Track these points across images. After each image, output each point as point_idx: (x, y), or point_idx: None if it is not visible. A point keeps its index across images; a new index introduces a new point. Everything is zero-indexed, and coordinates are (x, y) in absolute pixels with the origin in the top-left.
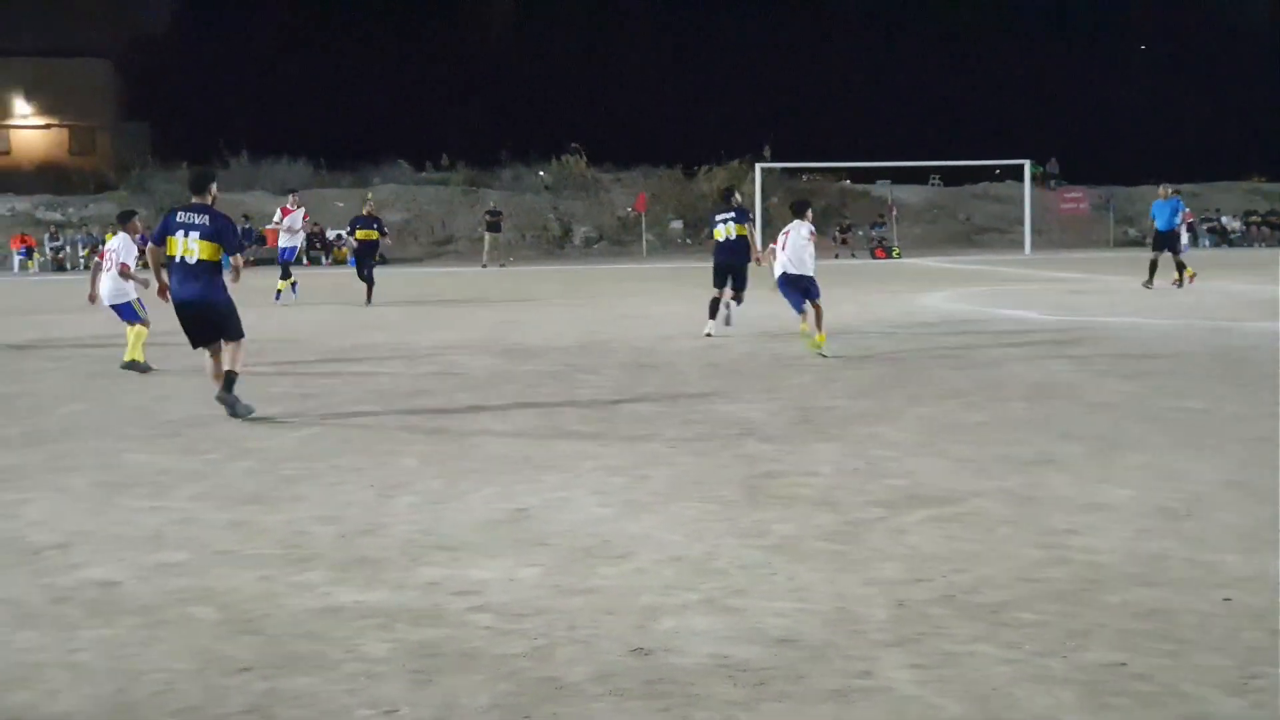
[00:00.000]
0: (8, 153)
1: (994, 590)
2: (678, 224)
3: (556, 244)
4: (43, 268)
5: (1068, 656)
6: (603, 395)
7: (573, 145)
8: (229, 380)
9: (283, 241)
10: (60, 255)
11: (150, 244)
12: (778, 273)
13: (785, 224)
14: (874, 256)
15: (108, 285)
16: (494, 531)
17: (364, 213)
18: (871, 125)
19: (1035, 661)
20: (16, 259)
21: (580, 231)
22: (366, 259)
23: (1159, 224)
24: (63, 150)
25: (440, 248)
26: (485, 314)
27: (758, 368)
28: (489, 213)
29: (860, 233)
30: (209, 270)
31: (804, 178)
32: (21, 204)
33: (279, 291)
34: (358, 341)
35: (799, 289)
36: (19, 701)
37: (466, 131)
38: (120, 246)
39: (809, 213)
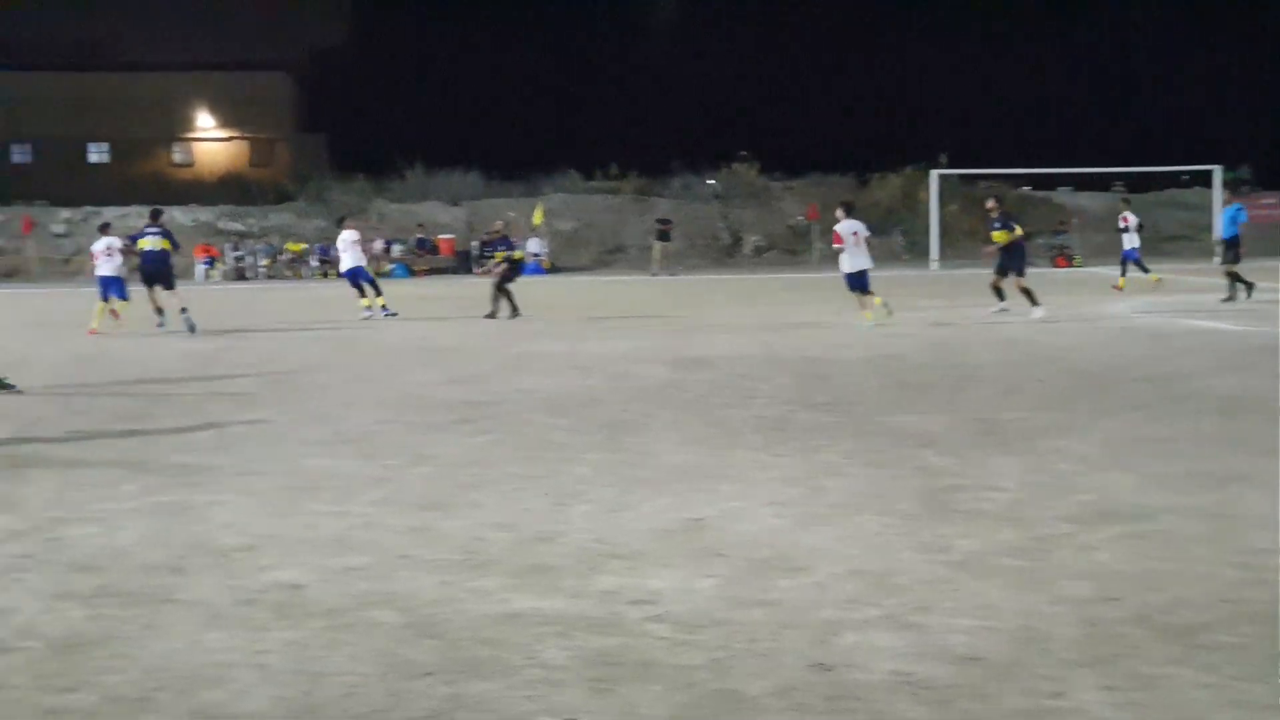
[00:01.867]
0: (192, 165)
1: (1190, 611)
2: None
3: (726, 253)
4: (225, 277)
5: (1269, 681)
6: (776, 405)
7: (742, 153)
8: None
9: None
10: (241, 264)
11: None
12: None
13: (962, 232)
14: (1055, 265)
15: None
16: (669, 541)
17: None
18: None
19: (1235, 686)
20: (201, 268)
21: (750, 240)
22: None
23: None
24: (243, 162)
25: (610, 256)
26: (656, 323)
27: (935, 379)
28: (659, 221)
29: (1040, 240)
30: None
31: (981, 185)
32: (205, 215)
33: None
34: (529, 350)
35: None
36: (210, 700)
37: (637, 140)
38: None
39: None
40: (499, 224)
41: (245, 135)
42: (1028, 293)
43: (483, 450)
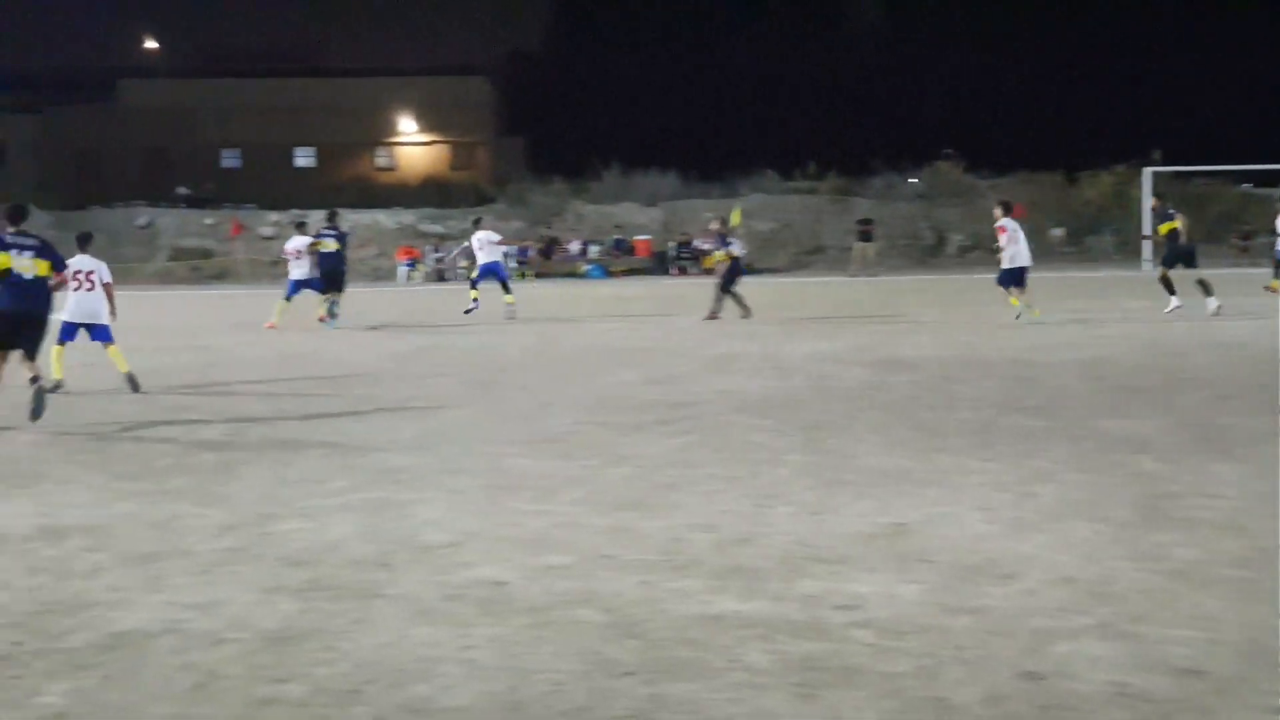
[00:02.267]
0: (394, 169)
1: None
2: (1058, 232)
3: (929, 253)
4: (426, 278)
5: None
6: (982, 408)
7: (947, 151)
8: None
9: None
10: (441, 266)
11: None
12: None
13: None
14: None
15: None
16: (873, 545)
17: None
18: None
19: None
20: (402, 270)
21: (954, 240)
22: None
23: None
24: (444, 165)
25: (808, 257)
26: (856, 324)
27: (1148, 381)
28: (859, 221)
29: (1262, 240)
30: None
31: (1197, 182)
32: (407, 217)
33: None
34: (728, 351)
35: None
36: (418, 694)
37: (837, 139)
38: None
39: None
40: (715, 223)
41: (446, 139)
42: (1165, 282)
43: (682, 451)
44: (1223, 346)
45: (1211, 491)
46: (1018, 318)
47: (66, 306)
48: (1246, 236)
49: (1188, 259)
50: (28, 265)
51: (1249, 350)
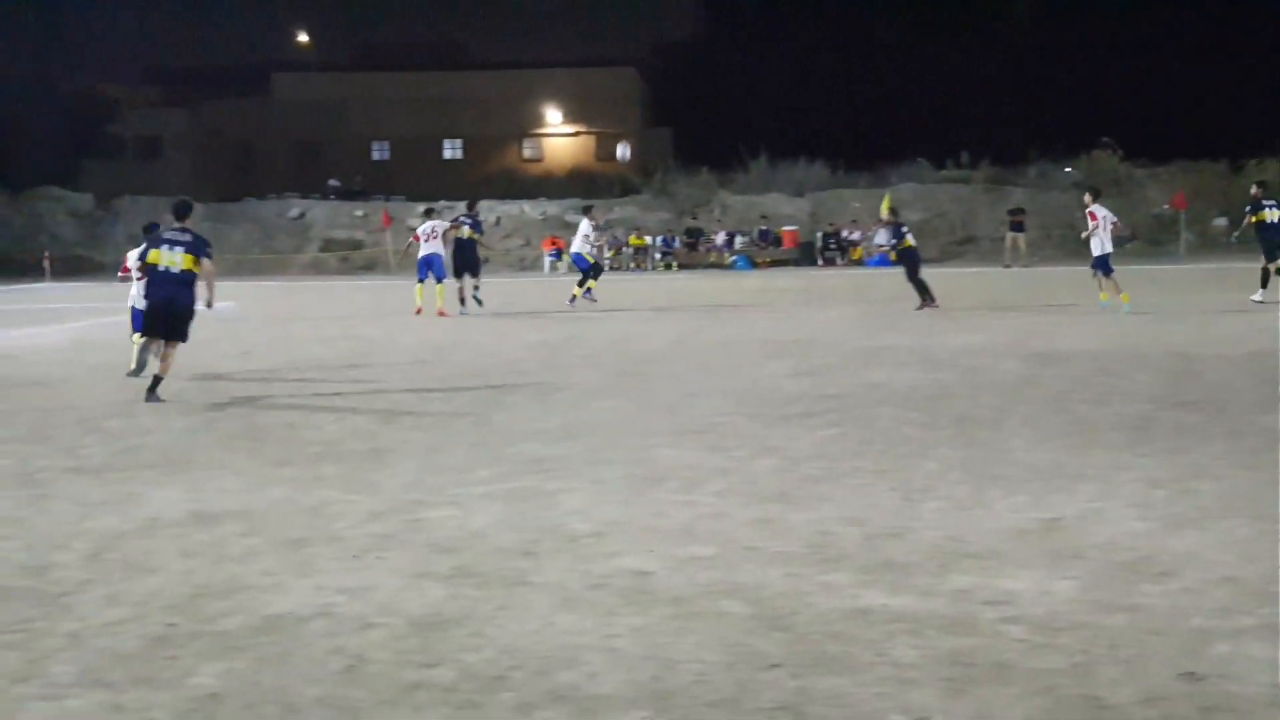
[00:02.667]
0: (540, 160)
1: None
2: (1221, 221)
3: (1084, 244)
4: (570, 268)
5: None
6: (1138, 403)
7: (1104, 139)
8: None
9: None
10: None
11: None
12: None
13: None
14: None
15: None
16: (1025, 541)
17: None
18: None
19: None
20: (547, 260)
21: None
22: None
23: None
24: (590, 156)
25: (959, 248)
26: (1009, 316)
27: None
28: (1011, 211)
29: None
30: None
31: None
32: (552, 208)
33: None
34: (877, 343)
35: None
36: (564, 681)
37: (990, 128)
38: None
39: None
40: (886, 213)
41: (592, 130)
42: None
43: (829, 443)
44: None
45: None
46: (1126, 310)
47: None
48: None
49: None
50: (176, 259)
51: None
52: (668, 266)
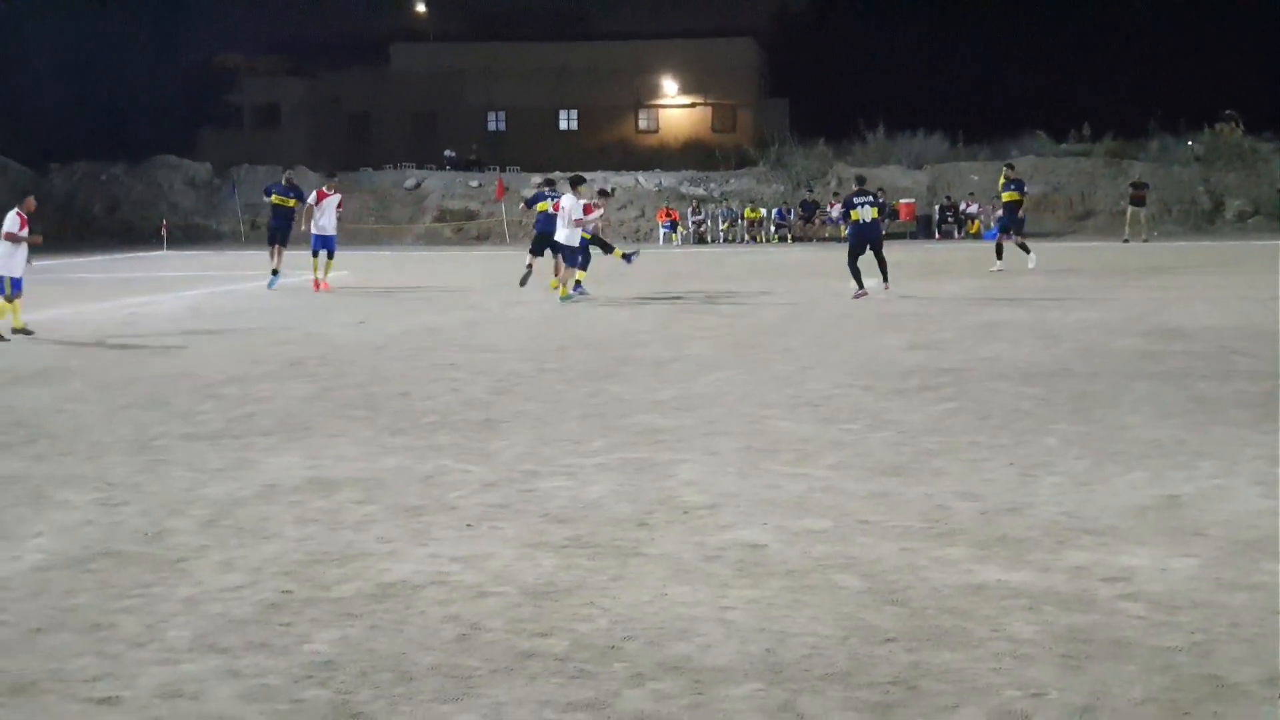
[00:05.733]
0: (656, 131)
1: None
2: None
3: (1206, 219)
4: (685, 240)
5: None
6: (1262, 380)
7: (1227, 112)
8: None
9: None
10: (701, 229)
11: None
12: None
13: None
14: None
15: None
16: (1144, 518)
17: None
18: None
19: None
20: (662, 232)
21: (1233, 205)
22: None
23: None
24: (706, 128)
25: (1079, 222)
26: (1129, 291)
27: None
28: (1133, 185)
29: None
30: None
31: None
32: (668, 180)
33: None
34: (994, 318)
35: None
36: (677, 652)
37: (1112, 101)
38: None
39: None
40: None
41: (709, 101)
42: None
43: (945, 417)
44: None
45: None
46: None
47: None
48: None
49: None
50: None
51: None
52: (781, 239)
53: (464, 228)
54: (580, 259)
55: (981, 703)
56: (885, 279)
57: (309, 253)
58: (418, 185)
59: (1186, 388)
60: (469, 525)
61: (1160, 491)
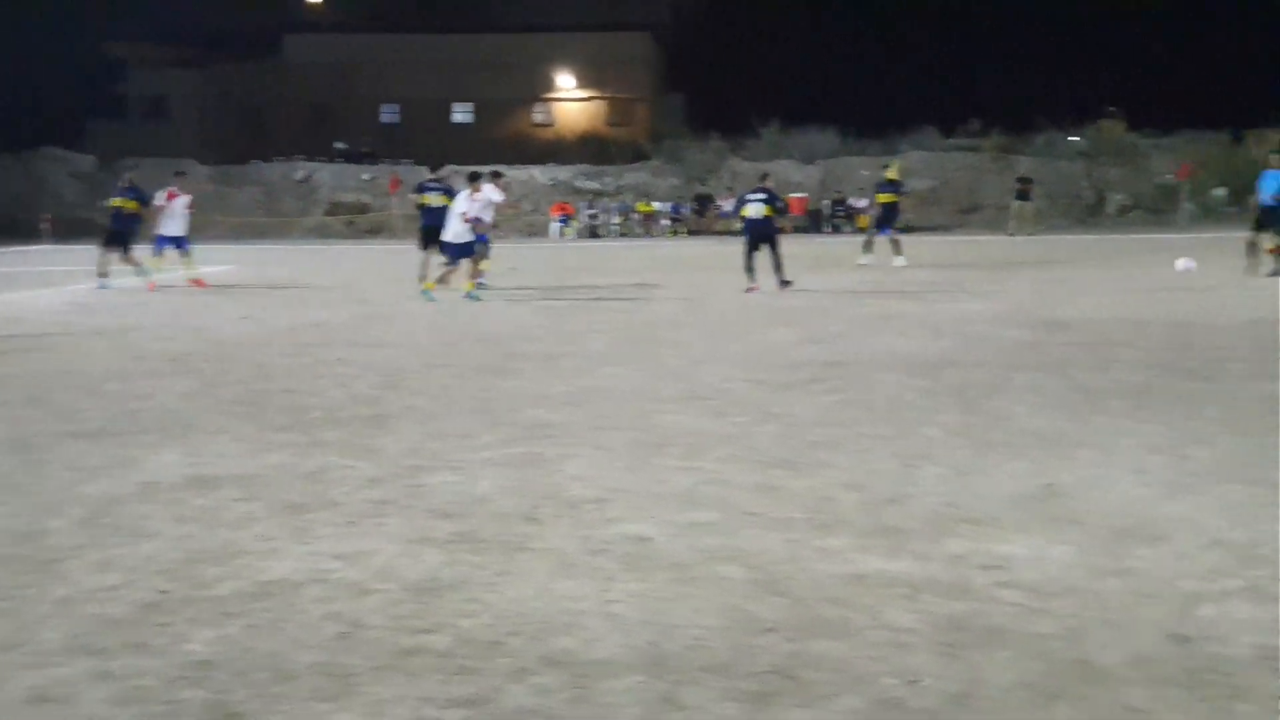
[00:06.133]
0: (552, 125)
1: None
2: (1221, 191)
3: (1089, 212)
4: (579, 234)
5: None
6: (1140, 370)
7: (1110, 109)
8: None
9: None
10: (595, 222)
11: None
12: None
13: None
14: None
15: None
16: (1023, 507)
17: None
18: None
19: None
20: (555, 226)
21: (1115, 199)
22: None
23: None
24: (602, 122)
25: (966, 216)
26: (1013, 284)
27: None
28: (1019, 180)
29: None
30: None
31: None
32: (562, 173)
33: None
34: (883, 310)
35: None
36: (561, 647)
37: (999, 96)
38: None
39: None
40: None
41: (605, 95)
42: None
43: (832, 409)
44: None
45: None
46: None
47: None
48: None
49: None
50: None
51: None
52: (675, 233)
53: (355, 221)
54: (466, 252)
55: (859, 691)
56: (778, 276)
57: (157, 253)
58: (307, 178)
59: (1068, 378)
60: (351, 522)
61: (1039, 480)
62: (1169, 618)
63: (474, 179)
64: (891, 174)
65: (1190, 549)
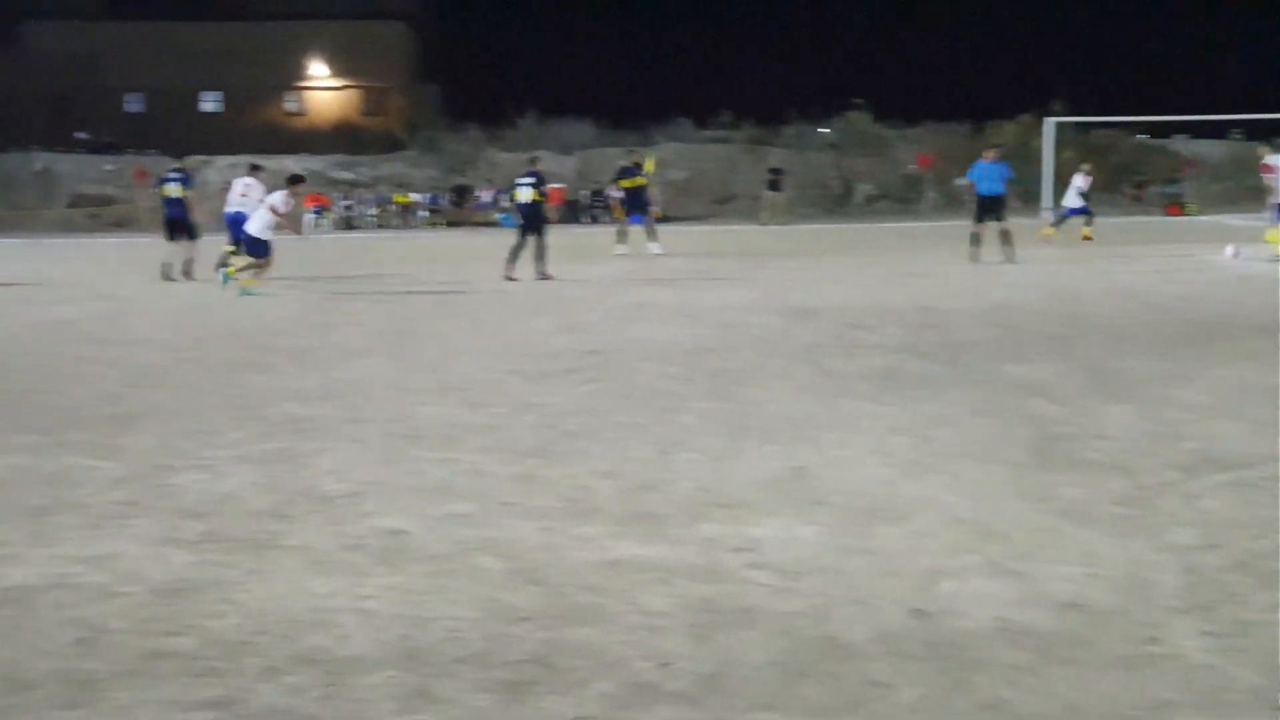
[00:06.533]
0: (304, 114)
1: None
2: (963, 181)
3: (838, 202)
4: (335, 226)
5: None
6: (886, 354)
7: (857, 101)
8: None
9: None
10: (350, 214)
11: None
12: None
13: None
14: (1167, 214)
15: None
16: (774, 489)
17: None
18: (1169, 77)
19: None
20: (309, 217)
21: (863, 189)
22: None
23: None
24: (356, 111)
25: (720, 206)
26: (766, 273)
27: (1046, 328)
28: (770, 171)
29: (1156, 189)
30: None
31: (1097, 134)
32: (316, 164)
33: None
34: (639, 299)
35: None
36: (312, 644)
37: (752, 89)
38: None
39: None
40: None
41: (359, 84)
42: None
43: (590, 399)
44: (1119, 293)
45: (1100, 433)
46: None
47: None
48: (1140, 186)
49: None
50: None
51: (1142, 297)
52: (434, 224)
53: (100, 214)
54: (263, 250)
55: (613, 676)
56: (537, 267)
57: None
58: (45, 169)
59: (817, 364)
60: (95, 525)
61: (789, 464)
62: (911, 594)
63: (295, 181)
64: (631, 161)
65: (932, 527)
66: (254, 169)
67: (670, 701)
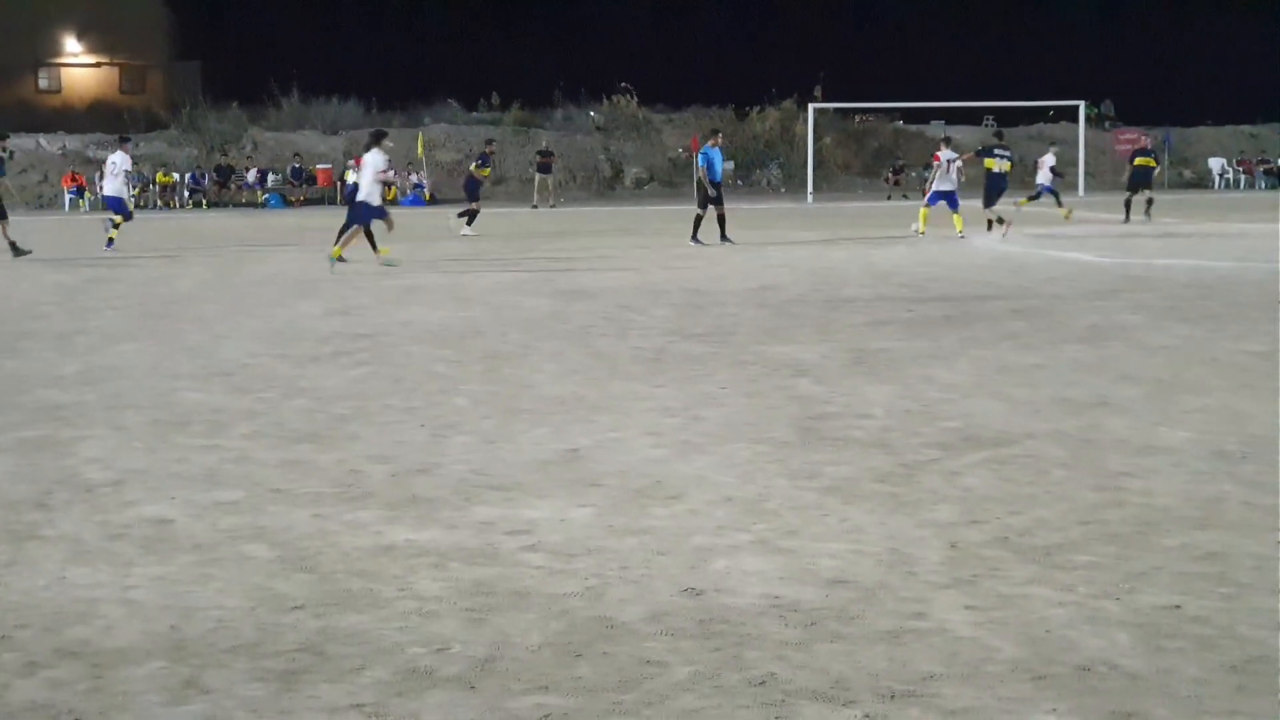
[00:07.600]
0: (59, 92)
1: (1049, 532)
2: (729, 165)
3: (607, 185)
4: (94, 206)
5: (1123, 599)
6: (655, 336)
7: (623, 85)
8: None
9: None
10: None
11: None
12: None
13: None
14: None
15: None
16: (546, 472)
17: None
18: (926, 65)
19: (1090, 604)
20: (68, 198)
21: (631, 173)
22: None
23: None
24: (114, 89)
25: (491, 188)
26: (537, 255)
27: (810, 310)
28: (540, 153)
29: (914, 174)
30: None
31: (856, 119)
32: (73, 143)
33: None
34: (411, 282)
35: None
36: (76, 636)
37: (519, 71)
38: None
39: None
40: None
41: (116, 61)
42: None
43: (360, 382)
44: (878, 274)
45: (864, 412)
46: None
47: None
48: (898, 171)
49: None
50: None
51: (900, 277)
52: (197, 205)
53: None
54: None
55: (386, 662)
56: (335, 243)
57: None
58: None
59: (588, 345)
60: None
61: (561, 446)
62: (683, 573)
63: (379, 137)
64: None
65: (702, 506)
66: (123, 140)
67: (446, 686)
